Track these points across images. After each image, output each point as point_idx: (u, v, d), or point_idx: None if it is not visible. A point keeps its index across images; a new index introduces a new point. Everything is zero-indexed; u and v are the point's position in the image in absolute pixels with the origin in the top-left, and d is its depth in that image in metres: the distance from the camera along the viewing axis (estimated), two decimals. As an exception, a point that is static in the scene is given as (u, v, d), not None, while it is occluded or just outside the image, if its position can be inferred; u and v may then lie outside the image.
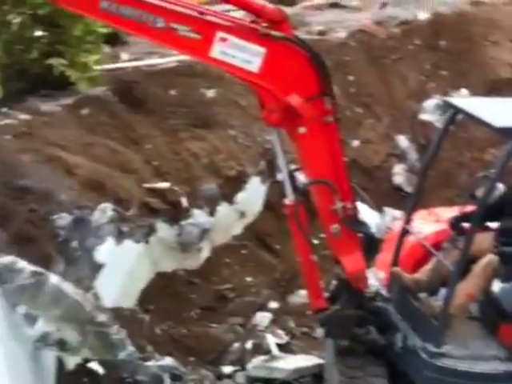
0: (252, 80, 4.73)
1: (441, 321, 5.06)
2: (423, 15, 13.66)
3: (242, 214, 9.07)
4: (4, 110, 7.49)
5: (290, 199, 5.25)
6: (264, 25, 4.57)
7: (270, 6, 4.64)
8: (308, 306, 5.83)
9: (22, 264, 5.09)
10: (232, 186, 8.95)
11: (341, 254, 5.33)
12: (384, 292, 5.66)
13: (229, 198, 8.85)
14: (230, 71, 4.75)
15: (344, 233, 5.20)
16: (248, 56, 4.57)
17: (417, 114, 12.10)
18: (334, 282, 5.68)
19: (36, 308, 5.14)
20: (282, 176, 5.33)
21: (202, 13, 4.49)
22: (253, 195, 9.25)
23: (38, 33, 7.96)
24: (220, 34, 4.49)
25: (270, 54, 4.59)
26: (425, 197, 9.90)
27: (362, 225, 5.36)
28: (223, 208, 8.69)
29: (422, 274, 5.58)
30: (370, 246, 5.43)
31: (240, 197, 9.00)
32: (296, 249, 5.46)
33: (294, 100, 4.68)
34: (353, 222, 5.20)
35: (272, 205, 9.45)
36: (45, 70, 7.94)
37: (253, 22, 4.68)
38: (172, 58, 10.03)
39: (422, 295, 5.48)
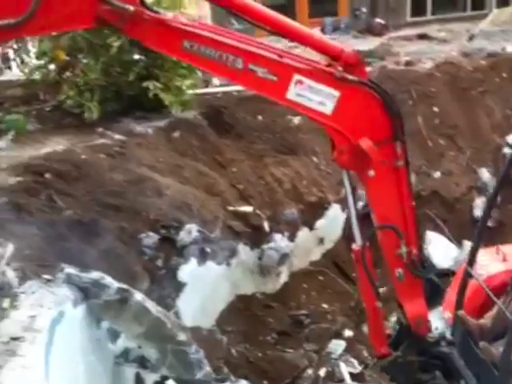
0: (324, 122, 4.68)
1: (501, 370, 4.83)
2: (511, 48, 13.34)
3: (321, 241, 9.03)
4: (100, 129, 7.66)
5: (357, 244, 5.13)
6: (340, 68, 4.53)
7: (348, 49, 4.59)
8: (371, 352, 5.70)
9: (109, 280, 5.14)
10: (313, 212, 8.92)
11: (403, 298, 5.19)
12: (449, 335, 5.45)
13: (309, 224, 8.82)
14: (303, 112, 4.70)
15: (407, 277, 5.06)
16: (322, 98, 4.53)
17: (500, 148, 11.79)
18: (396, 327, 5.55)
19: (119, 324, 5.18)
20: (351, 219, 5.21)
21: (280, 55, 4.48)
22: (332, 222, 9.19)
23: (136, 56, 8.07)
24: (297, 77, 4.47)
25: (343, 98, 4.53)
26: (506, 232, 9.71)
27: (426, 271, 5.19)
28: (303, 233, 8.66)
29: (487, 319, 5.35)
30: (434, 292, 5.30)
31: (320, 223, 8.96)
32: (361, 294, 5.36)
33: (365, 143, 4.58)
34: (417, 268, 5.04)
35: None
36: (140, 92, 8.09)
37: (329, 65, 4.65)
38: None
39: (483, 342, 5.27)
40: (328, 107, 4.53)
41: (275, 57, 4.44)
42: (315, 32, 4.76)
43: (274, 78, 4.43)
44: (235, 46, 4.37)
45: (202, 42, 4.29)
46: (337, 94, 4.52)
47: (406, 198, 4.93)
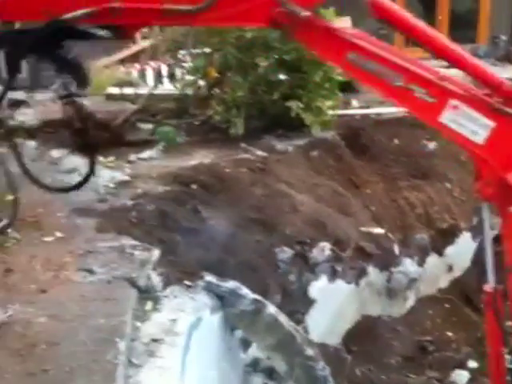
0: (474, 151, 4.50)
1: None
2: None
3: (450, 268, 8.76)
4: (243, 145, 7.79)
5: (490, 285, 4.88)
6: (498, 99, 4.35)
7: (509, 83, 4.40)
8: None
9: (245, 291, 5.19)
10: (443, 238, 8.68)
11: None
12: None
13: (439, 250, 8.59)
14: (452, 138, 4.52)
15: None
16: (476, 127, 4.33)
17: None
18: None
19: (252, 334, 5.22)
20: (487, 257, 4.94)
21: (441, 78, 4.35)
22: (462, 250, 8.90)
23: (281, 76, 8.16)
24: (453, 102, 4.30)
25: (498, 129, 4.32)
26: None
27: None
28: (432, 259, 8.44)
29: None
30: None
31: (450, 250, 8.71)
32: (486, 336, 5.10)
33: None
34: None
35: (481, 262, 9.02)
36: (283, 111, 8.15)
37: (486, 94, 4.47)
38: (399, 109, 9.97)
39: None
40: (480, 136, 4.34)
41: (435, 79, 4.33)
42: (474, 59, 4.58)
43: (431, 100, 4.31)
44: (398, 64, 4.29)
45: (367, 55, 4.24)
46: (492, 124, 4.34)
47: None
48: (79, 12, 2.70)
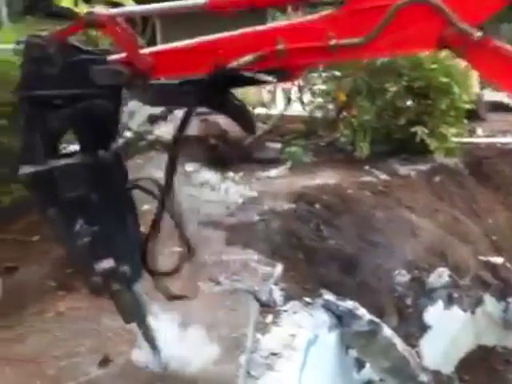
0: None
1: None
2: None
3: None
4: (367, 167, 7.68)
5: None
6: None
7: None
8: None
9: (362, 311, 5.09)
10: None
11: None
12: None
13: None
14: None
15: None
16: None
17: None
18: None
19: (366, 355, 5.10)
20: None
21: None
22: None
23: (408, 102, 8.00)
24: None
25: None
26: None
27: None
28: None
29: None
30: None
31: None
32: None
33: None
34: None
35: None
36: (408, 136, 7.98)
37: None
38: (525, 139, 9.56)
39: None
40: None
41: None
42: None
43: None
44: None
45: None
46: None
47: None
48: (244, 59, 2.61)
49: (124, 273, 2.96)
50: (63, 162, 2.78)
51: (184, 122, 2.81)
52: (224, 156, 7.37)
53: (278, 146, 7.77)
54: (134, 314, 3.19)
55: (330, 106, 8.49)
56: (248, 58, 2.62)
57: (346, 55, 2.72)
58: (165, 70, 2.78)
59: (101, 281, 2.94)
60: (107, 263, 2.91)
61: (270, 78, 2.75)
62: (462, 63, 8.37)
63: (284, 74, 2.77)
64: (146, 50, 2.78)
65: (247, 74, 2.68)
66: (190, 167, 6.83)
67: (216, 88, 2.71)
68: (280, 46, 2.61)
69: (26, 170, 2.75)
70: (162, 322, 3.41)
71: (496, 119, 10.78)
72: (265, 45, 2.63)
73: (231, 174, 7.06)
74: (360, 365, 5.16)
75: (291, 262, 5.32)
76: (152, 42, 9.94)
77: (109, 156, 2.78)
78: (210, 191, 6.23)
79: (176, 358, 3.44)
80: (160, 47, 2.86)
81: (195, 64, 2.71)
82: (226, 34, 2.72)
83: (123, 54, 2.75)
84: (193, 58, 2.74)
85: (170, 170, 2.94)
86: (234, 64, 2.63)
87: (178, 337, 3.57)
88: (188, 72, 2.77)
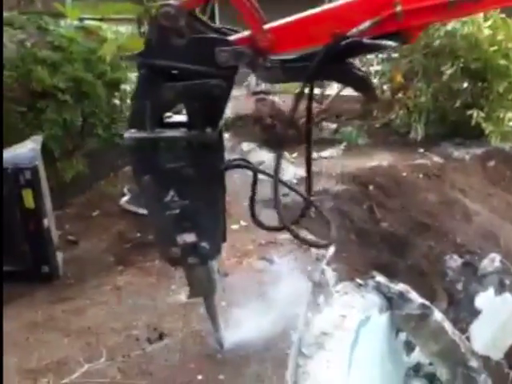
0: None
1: None
2: None
3: None
4: (421, 150, 7.59)
5: None
6: None
7: None
8: None
9: (413, 295, 5.03)
10: None
11: None
12: None
13: None
14: None
15: None
16: None
17: None
18: None
19: (416, 338, 5.05)
20: None
21: None
22: None
23: (465, 85, 7.83)
24: None
25: None
26: None
27: None
28: None
29: None
30: None
31: None
32: None
33: None
34: None
35: None
36: (463, 119, 7.83)
37: None
38: None
39: None
40: None
41: None
42: None
43: None
44: None
45: None
46: None
47: None
48: (363, 25, 2.54)
49: (203, 248, 2.98)
50: (170, 133, 2.80)
51: (297, 100, 2.71)
52: (280, 136, 7.33)
53: (334, 126, 7.70)
54: (203, 289, 3.23)
55: (386, 87, 8.37)
56: (367, 23, 2.55)
57: (463, 11, 2.63)
58: (285, 46, 2.72)
59: (179, 252, 2.98)
60: (189, 237, 2.95)
61: (390, 43, 2.67)
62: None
63: (403, 37, 2.71)
64: (266, 26, 2.71)
65: (367, 40, 2.59)
66: (246, 147, 6.82)
67: (336, 58, 2.63)
68: (398, 8, 2.55)
69: (132, 134, 2.78)
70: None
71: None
72: (383, 9, 2.56)
73: (286, 153, 7.02)
74: (409, 348, 5.13)
75: (344, 244, 5.29)
76: (211, 19, 9.91)
77: (215, 134, 2.78)
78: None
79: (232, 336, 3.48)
80: (277, 22, 2.77)
81: (315, 35, 2.65)
82: (342, 1, 2.66)
83: (246, 33, 2.71)
84: (312, 30, 2.68)
85: (279, 151, 2.96)
86: (353, 32, 2.55)
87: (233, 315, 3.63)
88: (308, 45, 2.70)
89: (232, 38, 2.73)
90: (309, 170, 3.27)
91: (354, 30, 2.54)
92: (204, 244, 2.98)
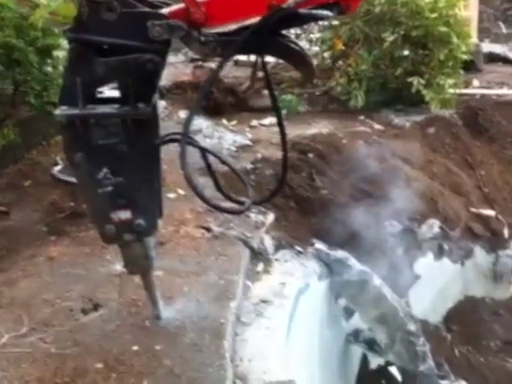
0: None
1: None
2: None
3: (561, 255, 8.29)
4: (361, 117, 7.65)
5: None
6: None
7: None
8: None
9: (353, 261, 5.13)
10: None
11: None
12: None
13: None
14: None
15: None
16: None
17: None
18: None
19: (356, 304, 5.16)
20: None
21: None
22: None
23: (406, 52, 7.87)
24: None
25: None
26: None
27: None
28: (543, 246, 8.01)
29: None
30: None
31: (562, 237, 8.22)
32: None
33: None
34: None
35: None
36: (404, 86, 7.92)
37: None
38: (522, 91, 9.49)
39: None
40: None
41: None
42: None
43: None
44: None
45: None
46: None
47: None
48: None
49: (139, 225, 2.95)
50: (102, 109, 2.75)
51: (217, 71, 2.73)
52: (218, 103, 7.29)
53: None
54: (140, 266, 3.21)
55: (326, 55, 8.37)
56: None
57: None
58: (220, 18, 2.67)
59: (114, 230, 2.95)
60: (124, 214, 2.92)
61: (327, 13, 2.65)
62: (462, 12, 8.28)
63: (341, 7, 2.69)
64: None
65: (304, 11, 2.57)
66: (183, 114, 6.75)
67: (270, 31, 2.61)
68: None
69: (63, 111, 2.72)
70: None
71: (492, 70, 10.68)
72: None
73: (225, 121, 6.99)
74: (349, 314, 5.23)
75: (283, 211, 5.31)
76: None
77: (148, 110, 2.74)
78: (203, 139, 6.16)
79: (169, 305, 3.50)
80: None
81: (250, 7, 2.62)
82: None
83: (179, 6, 2.66)
84: (247, 1, 2.65)
85: (189, 116, 2.86)
86: (289, 2, 2.53)
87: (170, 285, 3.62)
88: (244, 17, 2.65)
89: (165, 11, 2.68)
90: (284, 148, 3.25)
91: (291, 1, 2.53)
92: (140, 221, 2.95)
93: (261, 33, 2.59)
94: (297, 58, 2.79)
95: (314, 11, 2.61)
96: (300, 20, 2.69)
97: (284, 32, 2.77)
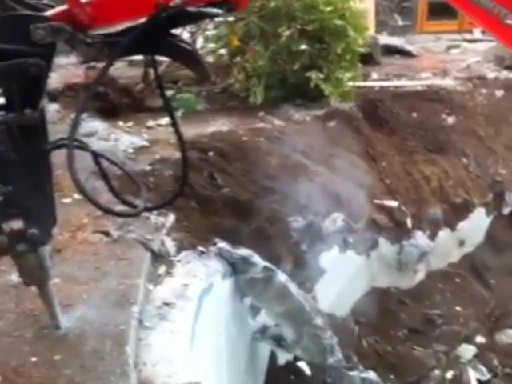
0: None
1: None
2: None
3: (462, 243, 8.80)
4: (261, 114, 7.79)
5: None
6: None
7: None
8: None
9: (257, 259, 5.24)
10: (456, 213, 8.69)
11: None
12: None
13: (451, 225, 8.63)
14: None
15: None
16: None
17: None
18: None
19: (261, 301, 5.28)
20: None
21: None
22: (475, 225, 8.94)
23: (303, 47, 8.04)
24: None
25: None
26: None
27: None
28: (444, 234, 8.48)
29: None
30: None
31: (462, 225, 8.74)
32: None
33: None
34: None
35: (493, 238, 9.08)
36: (302, 81, 8.08)
37: None
38: (419, 82, 9.92)
39: None
40: None
41: None
42: None
43: None
44: None
45: None
46: None
47: None
48: None
49: (32, 235, 2.95)
50: None
51: (102, 74, 2.72)
52: (114, 104, 7.28)
53: (170, 92, 7.72)
54: (36, 277, 3.20)
55: (223, 51, 8.49)
56: None
57: None
58: (106, 19, 2.69)
59: (6, 240, 2.93)
60: (16, 224, 2.90)
61: (216, 11, 2.70)
62: (357, 5, 8.59)
63: (231, 4, 2.74)
64: (84, 0, 2.66)
65: (192, 9, 2.61)
66: (76, 116, 6.70)
67: (159, 31, 2.64)
68: None
69: None
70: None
71: (390, 63, 11.13)
72: None
73: (121, 123, 6.99)
74: (255, 311, 5.35)
75: (184, 212, 5.39)
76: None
77: (35, 115, 2.73)
78: (98, 141, 6.16)
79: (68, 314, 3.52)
80: None
81: (137, 7, 2.64)
82: None
83: (62, 8, 2.65)
84: (133, 1, 2.67)
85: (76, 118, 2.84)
86: (177, 1, 2.56)
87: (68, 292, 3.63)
88: (131, 17, 2.67)
89: (48, 13, 2.67)
90: (183, 149, 3.30)
91: (177, 1, 2.58)
92: (33, 230, 2.94)
93: (149, 33, 2.62)
94: (187, 57, 2.85)
95: (204, 9, 2.69)
96: (189, 18, 2.75)
97: (174, 31, 2.83)
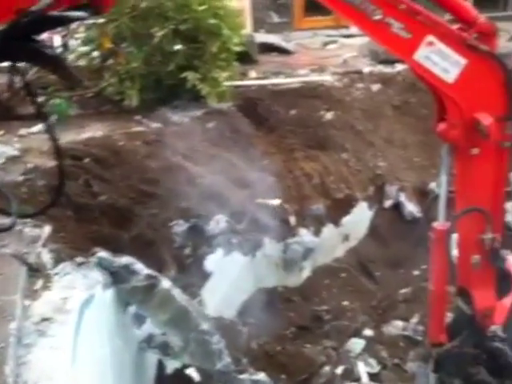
0: (444, 90, 4.41)
1: None
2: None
3: (346, 238, 9.04)
4: (138, 117, 7.75)
5: (441, 223, 4.84)
6: (474, 35, 4.28)
7: (483, 17, 4.35)
8: (428, 337, 5.44)
9: (139, 266, 5.23)
10: (339, 208, 8.93)
11: (474, 287, 4.97)
12: (501, 331, 5.16)
13: (335, 220, 8.84)
14: (425, 76, 4.49)
15: (484, 265, 4.82)
16: (447, 65, 4.24)
17: None
18: (452, 316, 5.32)
19: (145, 310, 5.27)
20: (440, 197, 4.87)
21: (417, 12, 4.21)
22: (358, 219, 9.21)
23: (177, 47, 8.07)
24: (429, 38, 4.23)
25: (469, 67, 4.29)
26: None
27: (502, 260, 4.94)
28: (328, 229, 8.68)
29: None
30: (505, 284, 5.05)
31: (346, 220, 8.97)
32: (432, 276, 5.01)
33: (485, 119, 4.34)
34: (495, 256, 4.81)
35: (376, 231, 9.40)
36: (179, 82, 8.11)
37: (460, 29, 4.38)
38: (297, 79, 10.16)
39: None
40: (451, 75, 4.31)
41: (413, 14, 4.20)
42: None
43: (408, 36, 4.23)
44: None
45: None
46: (463, 61, 4.29)
47: (501, 182, 4.70)
48: None
49: None
50: None
51: None
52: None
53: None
54: None
55: (95, 54, 8.40)
56: None
57: None
58: None
59: None
60: None
61: (80, 14, 2.68)
62: (232, 3, 8.71)
63: (96, 7, 2.74)
64: None
65: (53, 13, 2.59)
66: None
67: (20, 37, 2.60)
68: None
69: None
70: None
71: (268, 60, 11.33)
72: None
73: (-11, 132, 6.81)
74: (140, 320, 5.33)
75: (60, 222, 5.32)
76: None
77: None
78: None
79: None
80: None
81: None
82: None
83: None
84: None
85: None
86: (38, 5, 2.53)
87: None
88: None
89: None
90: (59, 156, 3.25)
91: (40, 4, 2.57)
92: None
93: (10, 39, 2.62)
94: (52, 63, 2.85)
95: (67, 13, 2.69)
96: (53, 23, 2.75)
97: (37, 37, 2.82)
